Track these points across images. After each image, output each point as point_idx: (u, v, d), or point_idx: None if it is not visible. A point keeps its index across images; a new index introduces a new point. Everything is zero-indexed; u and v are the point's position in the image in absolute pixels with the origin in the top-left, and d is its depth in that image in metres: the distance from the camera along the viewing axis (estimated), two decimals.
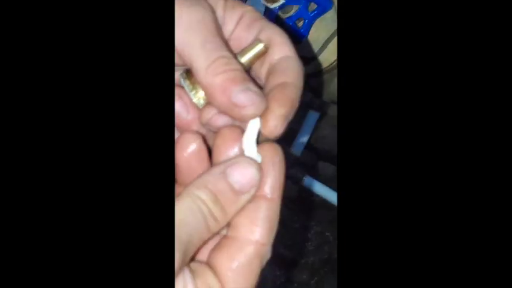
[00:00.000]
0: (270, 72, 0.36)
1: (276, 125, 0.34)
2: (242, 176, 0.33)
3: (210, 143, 0.37)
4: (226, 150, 0.35)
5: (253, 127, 0.35)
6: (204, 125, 0.36)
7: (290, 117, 0.34)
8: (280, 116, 0.34)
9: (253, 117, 0.34)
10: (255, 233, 0.33)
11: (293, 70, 0.35)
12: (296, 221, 0.96)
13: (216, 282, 0.33)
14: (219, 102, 0.34)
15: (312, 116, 0.94)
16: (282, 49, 0.36)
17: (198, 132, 0.36)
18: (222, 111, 0.35)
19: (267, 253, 0.34)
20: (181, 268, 0.31)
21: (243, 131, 0.35)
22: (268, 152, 0.35)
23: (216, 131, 0.36)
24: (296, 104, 0.34)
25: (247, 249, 0.33)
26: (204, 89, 0.34)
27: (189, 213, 0.31)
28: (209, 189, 0.32)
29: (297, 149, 0.93)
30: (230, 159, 0.34)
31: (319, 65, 0.89)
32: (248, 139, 0.35)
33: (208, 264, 0.34)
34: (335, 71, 0.90)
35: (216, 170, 0.33)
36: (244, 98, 0.33)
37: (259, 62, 0.36)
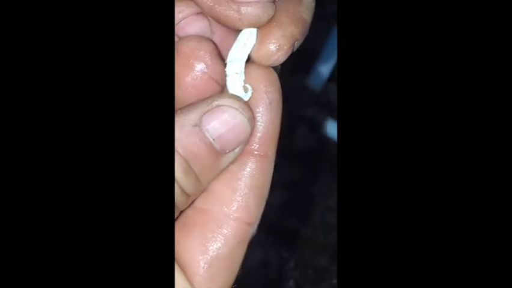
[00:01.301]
0: None
1: (280, 46, 0.28)
2: (225, 128, 0.28)
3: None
4: (190, 69, 0.29)
5: (245, 42, 0.30)
6: None
7: (295, 47, 0.29)
8: (289, 35, 0.28)
9: (253, 23, 0.29)
10: (238, 208, 0.28)
11: None
12: (313, 183, 0.86)
13: (185, 285, 0.28)
14: None
15: None
16: None
17: None
18: (207, 9, 0.29)
19: (252, 234, 0.29)
20: None
21: (215, 46, 0.30)
22: (260, 81, 0.29)
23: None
24: (305, 34, 0.29)
25: (226, 232, 0.28)
26: None
27: None
28: (178, 153, 0.27)
29: (315, 81, 0.82)
30: (207, 99, 0.28)
31: None
32: (235, 58, 0.29)
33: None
34: None
35: (187, 120, 0.28)
36: None
37: None
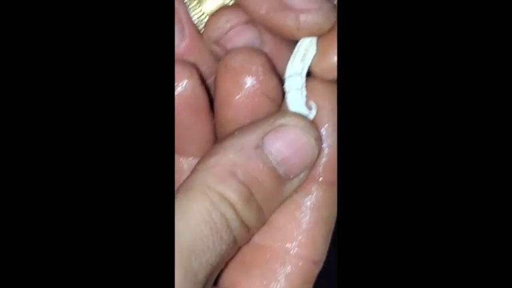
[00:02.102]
0: None
1: None
2: (290, 150, 0.25)
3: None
4: (241, 86, 0.26)
5: (304, 53, 0.27)
6: (212, 44, 0.28)
7: None
8: None
9: (313, 32, 0.26)
10: (303, 244, 0.26)
11: None
12: None
13: None
14: None
15: None
16: None
17: (192, 65, 0.28)
18: (259, 18, 0.26)
19: (317, 272, 0.27)
20: None
21: (268, 58, 0.27)
22: (325, 98, 0.26)
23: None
24: None
25: (290, 271, 0.26)
26: None
27: (207, 229, 0.24)
28: (239, 180, 0.25)
29: None
30: (268, 118, 0.26)
31: None
32: (295, 72, 0.27)
33: None
34: None
35: (247, 141, 0.25)
36: None
37: None
